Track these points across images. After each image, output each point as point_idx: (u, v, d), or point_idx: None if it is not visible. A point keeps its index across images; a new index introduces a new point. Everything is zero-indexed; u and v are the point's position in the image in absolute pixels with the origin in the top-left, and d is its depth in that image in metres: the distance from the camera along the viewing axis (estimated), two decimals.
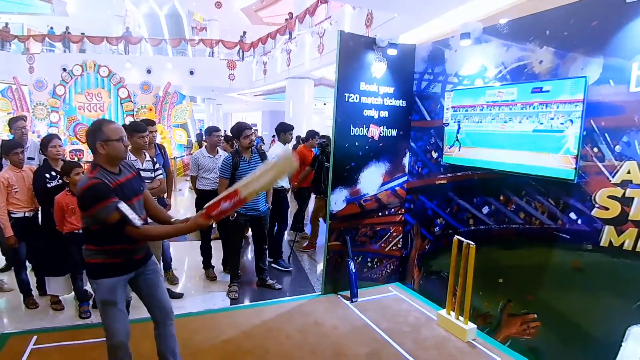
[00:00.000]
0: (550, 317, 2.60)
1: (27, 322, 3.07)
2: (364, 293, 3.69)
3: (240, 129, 3.51)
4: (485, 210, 3.05)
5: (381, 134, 3.72)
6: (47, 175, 3.20)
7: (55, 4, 18.32)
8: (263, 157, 3.65)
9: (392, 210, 3.90)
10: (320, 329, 3.09)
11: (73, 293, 3.30)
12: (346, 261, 3.65)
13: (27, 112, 10.64)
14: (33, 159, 3.90)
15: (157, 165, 3.29)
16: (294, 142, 8.24)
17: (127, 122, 5.24)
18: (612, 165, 2.27)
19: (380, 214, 3.85)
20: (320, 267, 4.47)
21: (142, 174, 2.98)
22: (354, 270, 3.60)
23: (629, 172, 2.20)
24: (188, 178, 6.67)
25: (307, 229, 5.59)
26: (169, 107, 11.56)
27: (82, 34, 16.61)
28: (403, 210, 3.94)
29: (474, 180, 3.15)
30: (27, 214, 3.22)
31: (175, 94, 11.66)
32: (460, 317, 3.02)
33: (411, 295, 3.73)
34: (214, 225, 4.33)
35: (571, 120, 2.40)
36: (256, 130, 18.70)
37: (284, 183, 4.49)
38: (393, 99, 3.73)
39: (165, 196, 3.66)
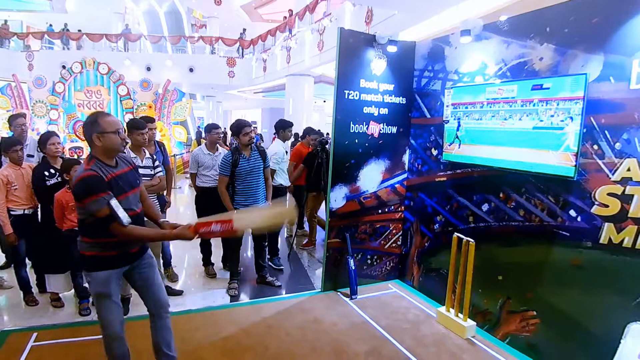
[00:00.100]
0: (550, 314, 2.60)
1: (27, 320, 3.08)
2: (364, 290, 3.69)
3: (239, 127, 3.50)
4: (485, 207, 3.05)
5: (381, 131, 3.71)
6: (46, 173, 3.20)
7: (55, 1, 18.30)
8: (262, 154, 3.64)
9: (392, 207, 3.91)
10: (320, 326, 3.10)
11: (73, 290, 3.30)
12: (346, 258, 3.66)
13: (26, 110, 10.59)
14: (32, 156, 3.90)
15: (156, 163, 3.31)
16: (292, 139, 8.21)
17: (127, 120, 5.23)
18: (612, 162, 2.27)
19: (380, 211, 3.85)
20: (319, 264, 4.47)
21: (142, 171, 3.00)
22: (353, 268, 3.60)
23: (629, 170, 2.20)
24: (188, 175, 6.67)
25: (307, 227, 5.59)
26: (168, 104, 11.53)
27: (79, 30, 16.54)
28: (403, 207, 3.95)
29: (473, 178, 3.15)
30: (26, 212, 3.22)
31: (174, 91, 11.62)
32: (460, 314, 3.03)
33: (411, 293, 3.74)
34: None
35: (571, 118, 2.39)
36: (256, 127, 18.69)
37: (283, 180, 4.48)
38: (393, 96, 3.72)
39: (165, 193, 3.67)
